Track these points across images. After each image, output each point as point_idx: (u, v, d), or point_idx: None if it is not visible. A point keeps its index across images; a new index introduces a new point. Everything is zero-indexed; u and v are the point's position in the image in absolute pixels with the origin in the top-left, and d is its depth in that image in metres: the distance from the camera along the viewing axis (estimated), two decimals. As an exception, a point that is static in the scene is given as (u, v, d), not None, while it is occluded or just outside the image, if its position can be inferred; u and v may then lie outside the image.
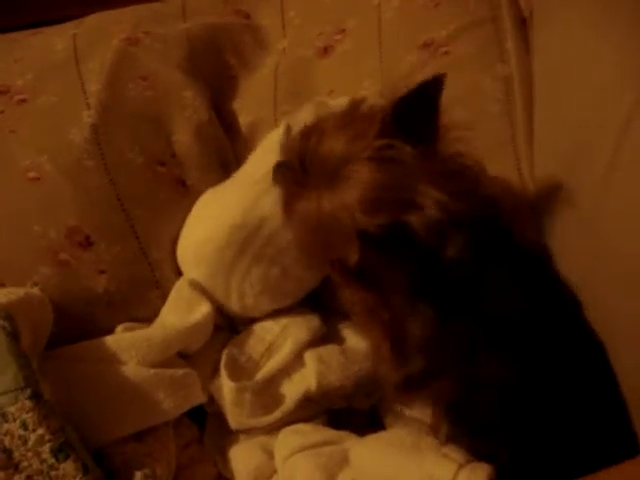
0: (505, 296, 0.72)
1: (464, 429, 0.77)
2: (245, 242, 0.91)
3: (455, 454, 0.71)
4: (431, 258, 0.68)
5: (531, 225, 0.83)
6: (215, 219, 0.93)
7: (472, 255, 0.69)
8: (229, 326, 0.98)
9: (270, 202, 0.88)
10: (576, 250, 0.77)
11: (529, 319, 0.72)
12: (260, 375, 0.90)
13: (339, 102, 0.89)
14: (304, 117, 0.88)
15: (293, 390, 0.89)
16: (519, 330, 0.72)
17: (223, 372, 0.90)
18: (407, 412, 0.86)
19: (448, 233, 0.67)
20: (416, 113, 0.70)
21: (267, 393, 0.89)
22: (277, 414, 0.88)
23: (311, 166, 0.72)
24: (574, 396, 0.72)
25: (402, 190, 0.67)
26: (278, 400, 0.89)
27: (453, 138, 0.72)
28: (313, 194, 0.72)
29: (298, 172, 0.74)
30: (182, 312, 0.93)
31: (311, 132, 0.74)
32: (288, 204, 0.77)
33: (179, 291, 0.95)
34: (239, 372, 0.91)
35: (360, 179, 0.68)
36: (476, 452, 0.73)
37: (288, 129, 0.92)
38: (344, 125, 0.72)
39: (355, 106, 0.75)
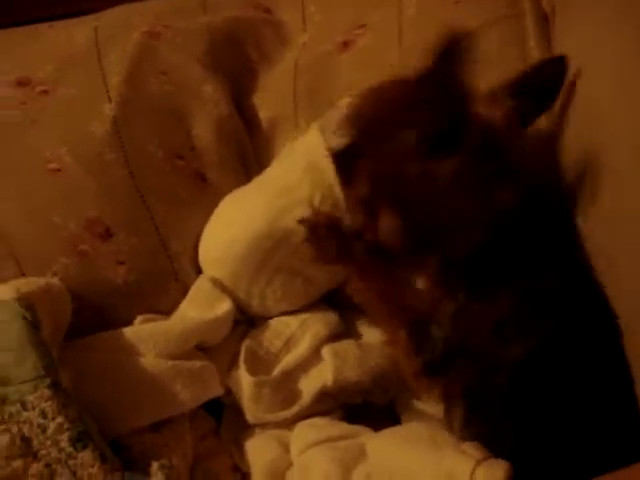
0: (535, 275, 0.73)
1: (478, 414, 0.76)
2: (269, 252, 0.91)
3: (473, 450, 0.70)
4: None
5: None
6: (240, 226, 0.93)
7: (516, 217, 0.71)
8: (247, 320, 0.98)
9: (297, 216, 0.88)
10: (601, 238, 0.76)
11: (556, 301, 0.73)
12: (278, 369, 0.90)
13: None
14: (336, 115, 0.89)
15: (310, 385, 0.89)
16: (542, 312, 0.72)
17: (242, 366, 0.90)
18: (424, 408, 0.86)
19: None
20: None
21: (285, 388, 0.90)
22: (294, 409, 0.88)
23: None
24: (589, 387, 0.71)
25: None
26: (295, 395, 0.89)
27: None
28: None
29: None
30: (202, 307, 0.93)
31: None
32: None
33: (200, 287, 0.95)
34: (257, 365, 0.91)
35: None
36: (483, 436, 0.73)
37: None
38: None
39: None
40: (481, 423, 0.75)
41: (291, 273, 0.93)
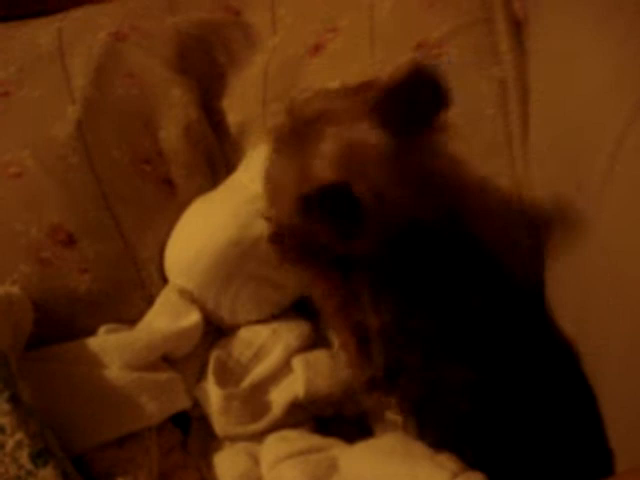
0: (466, 298, 0.71)
1: (430, 428, 0.76)
2: (239, 262, 0.89)
3: (449, 463, 0.69)
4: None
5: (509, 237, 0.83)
6: (207, 236, 0.91)
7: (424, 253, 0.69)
8: (215, 329, 0.95)
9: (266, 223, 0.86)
10: (573, 249, 0.76)
11: (495, 323, 0.72)
12: (248, 381, 0.88)
13: None
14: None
15: (281, 397, 0.87)
16: (482, 333, 0.71)
17: (211, 379, 0.88)
18: (397, 419, 0.84)
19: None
20: (409, 105, 0.67)
21: (255, 400, 0.87)
22: (265, 422, 0.86)
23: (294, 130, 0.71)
24: (542, 402, 0.71)
25: (357, 167, 0.67)
26: (266, 407, 0.87)
27: (444, 138, 0.70)
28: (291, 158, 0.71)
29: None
30: (170, 317, 0.90)
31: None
32: None
33: (167, 297, 0.93)
34: (227, 377, 0.89)
35: (323, 150, 0.67)
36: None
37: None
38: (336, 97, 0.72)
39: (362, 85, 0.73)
40: (435, 440, 0.75)
41: (261, 282, 0.91)
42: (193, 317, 0.91)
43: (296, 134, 0.70)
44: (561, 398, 0.72)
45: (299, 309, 0.96)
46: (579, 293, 0.74)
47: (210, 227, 0.91)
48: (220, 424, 0.86)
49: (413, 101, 0.67)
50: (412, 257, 0.69)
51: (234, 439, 0.87)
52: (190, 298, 0.92)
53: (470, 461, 0.70)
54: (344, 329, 0.80)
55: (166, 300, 0.92)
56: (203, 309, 0.92)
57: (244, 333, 0.93)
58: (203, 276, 0.90)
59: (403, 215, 0.67)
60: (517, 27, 0.97)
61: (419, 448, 0.74)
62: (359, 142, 0.67)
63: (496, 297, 0.73)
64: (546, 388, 0.71)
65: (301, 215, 0.67)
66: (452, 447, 0.72)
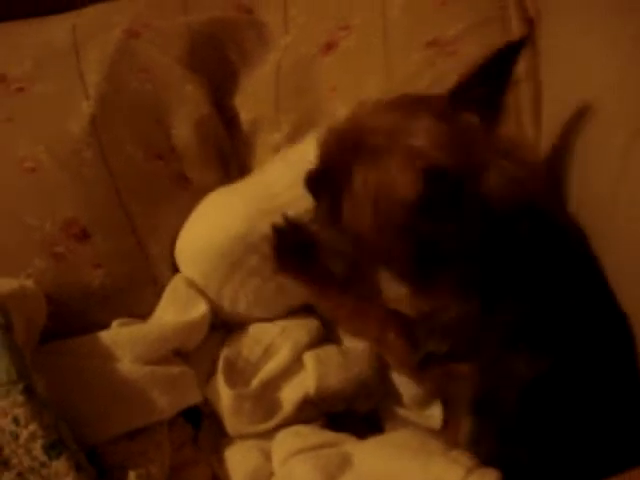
0: (550, 290, 0.71)
1: (488, 428, 0.74)
2: (244, 254, 0.90)
3: (463, 458, 0.69)
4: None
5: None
6: (219, 226, 0.92)
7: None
8: (224, 324, 0.96)
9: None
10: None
11: (568, 317, 0.71)
12: (258, 379, 0.88)
13: None
14: None
15: (292, 394, 0.87)
16: (556, 328, 0.71)
17: (220, 378, 0.88)
18: (408, 415, 0.84)
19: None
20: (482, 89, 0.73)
21: (266, 399, 0.87)
22: (276, 419, 0.86)
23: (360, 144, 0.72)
24: (603, 402, 0.69)
25: (470, 149, 0.69)
26: (277, 405, 0.87)
27: None
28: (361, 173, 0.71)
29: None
30: (178, 309, 0.91)
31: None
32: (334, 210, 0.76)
33: (175, 288, 0.93)
34: (236, 376, 0.89)
35: (425, 128, 0.69)
36: (496, 454, 0.71)
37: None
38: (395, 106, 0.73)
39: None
40: (492, 441, 0.73)
41: (264, 278, 0.91)
42: (201, 308, 0.91)
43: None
44: (620, 403, 0.70)
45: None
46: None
47: (222, 219, 0.92)
48: (231, 424, 0.86)
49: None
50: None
51: (245, 437, 0.87)
52: (196, 288, 0.93)
53: (525, 464, 0.69)
54: (372, 328, 0.82)
55: (173, 290, 0.93)
56: (208, 301, 0.93)
57: (253, 331, 0.93)
58: (207, 264, 0.91)
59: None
60: (530, 25, 0.98)
61: (433, 444, 0.74)
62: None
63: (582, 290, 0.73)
64: (606, 390, 0.70)
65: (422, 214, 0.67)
66: (507, 449, 0.71)
